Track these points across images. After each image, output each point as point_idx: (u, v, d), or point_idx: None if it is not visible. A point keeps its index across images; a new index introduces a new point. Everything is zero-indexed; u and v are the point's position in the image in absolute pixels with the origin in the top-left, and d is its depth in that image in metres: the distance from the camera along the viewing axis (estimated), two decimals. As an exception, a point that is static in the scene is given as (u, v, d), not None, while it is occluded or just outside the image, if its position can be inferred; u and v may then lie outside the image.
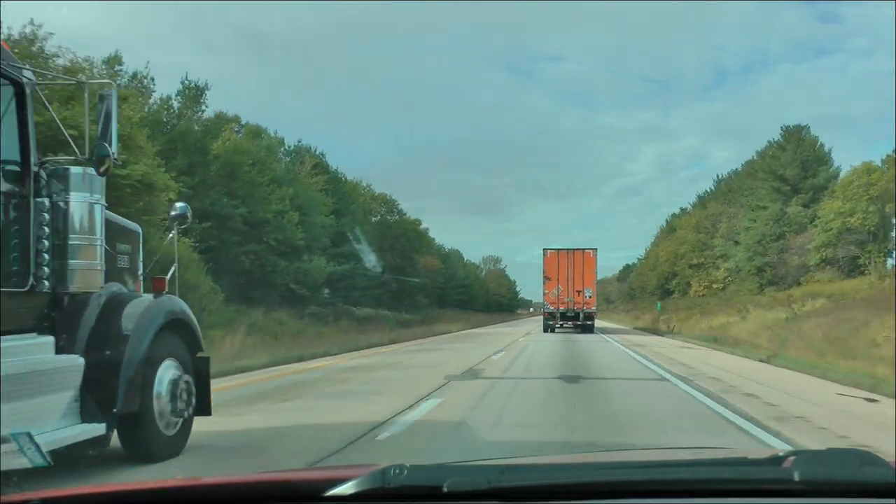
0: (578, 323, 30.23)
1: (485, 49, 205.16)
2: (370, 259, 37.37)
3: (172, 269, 5.88)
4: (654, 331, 33.76)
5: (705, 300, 44.95)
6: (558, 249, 31.43)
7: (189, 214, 6.08)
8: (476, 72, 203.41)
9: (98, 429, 4.61)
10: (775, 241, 43.16)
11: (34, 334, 4.49)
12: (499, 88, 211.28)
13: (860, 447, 1.64)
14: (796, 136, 47.86)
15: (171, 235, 6.11)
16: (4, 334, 4.16)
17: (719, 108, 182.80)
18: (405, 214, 53.28)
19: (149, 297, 5.46)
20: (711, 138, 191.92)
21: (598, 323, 32.91)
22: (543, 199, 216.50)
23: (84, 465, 4.58)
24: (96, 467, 4.73)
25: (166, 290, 5.61)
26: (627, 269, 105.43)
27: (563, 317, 30.37)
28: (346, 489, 1.27)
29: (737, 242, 48.16)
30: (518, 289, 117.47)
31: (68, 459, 4.33)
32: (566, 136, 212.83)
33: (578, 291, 30.24)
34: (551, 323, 30.72)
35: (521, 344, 22.57)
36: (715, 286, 50.89)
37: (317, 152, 38.56)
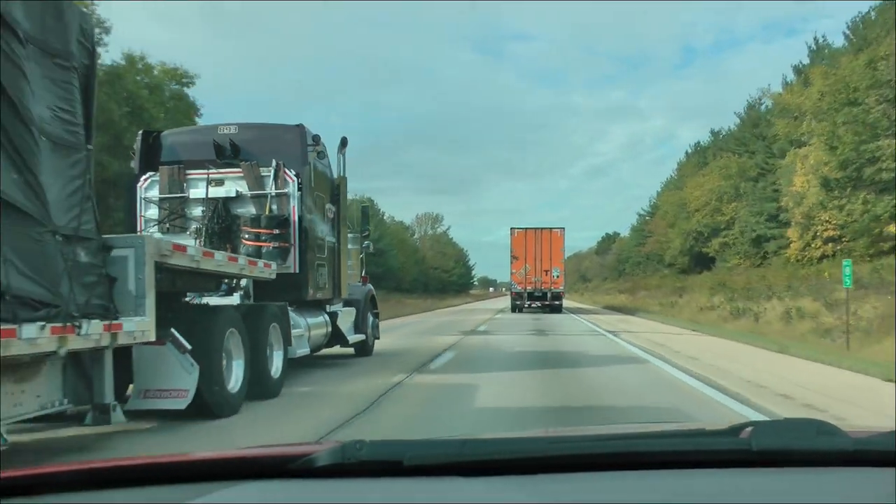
0: (546, 303, 30.57)
1: (453, 27, 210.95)
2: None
3: (363, 270, 12.93)
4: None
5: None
6: (525, 228, 31.46)
7: (372, 247, 13.15)
8: (444, 50, 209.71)
9: (361, 337, 11.67)
10: None
11: (328, 307, 11.39)
12: (467, 67, 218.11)
13: None
14: None
15: (361, 255, 13.09)
16: (329, 304, 11.05)
17: (688, 87, 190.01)
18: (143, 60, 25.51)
19: (360, 284, 12.50)
20: (680, 118, 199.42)
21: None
22: (511, 178, 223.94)
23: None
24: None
25: (368, 281, 12.68)
26: (608, 239, 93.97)
27: (531, 297, 30.71)
28: (306, 464, 1.30)
29: None
30: (472, 262, 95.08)
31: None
32: (535, 116, 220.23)
33: (546, 271, 30.52)
34: (519, 303, 31.12)
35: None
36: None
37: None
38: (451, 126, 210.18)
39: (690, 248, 44.19)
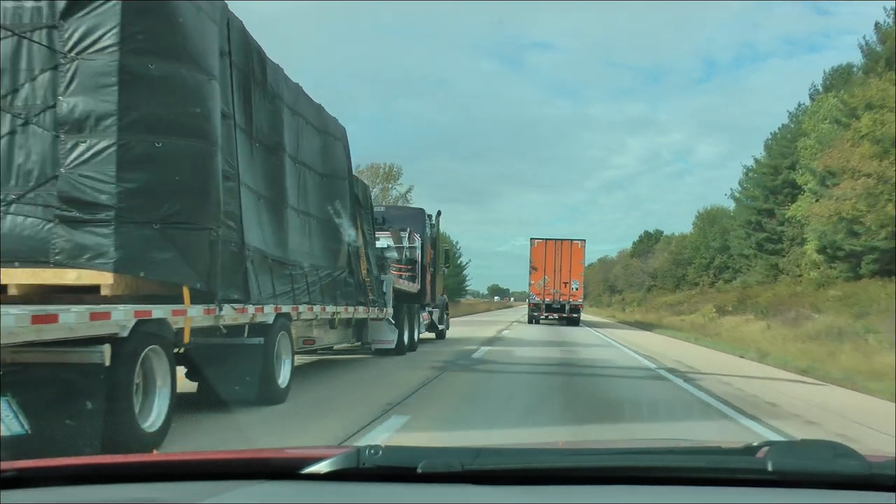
0: (564, 315, 31.16)
1: (471, 35, 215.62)
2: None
3: (443, 286, 21.02)
4: None
5: None
6: (546, 239, 31.85)
7: (446, 271, 21.21)
8: (462, 59, 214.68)
9: (443, 327, 19.83)
10: None
11: (428, 308, 19.45)
12: (485, 76, 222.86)
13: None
14: None
15: (444, 278, 21.11)
16: (429, 307, 19.09)
17: (708, 102, 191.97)
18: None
19: (441, 295, 20.58)
20: (699, 133, 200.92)
21: None
22: (527, 190, 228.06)
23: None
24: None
25: (444, 292, 20.77)
26: (649, 238, 79.59)
27: (549, 308, 31.34)
28: (321, 467, 1.34)
29: None
30: (464, 260, 70.38)
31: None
32: (552, 127, 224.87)
33: (565, 283, 31.05)
34: (536, 314, 31.86)
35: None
36: None
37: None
38: (468, 136, 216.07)
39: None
